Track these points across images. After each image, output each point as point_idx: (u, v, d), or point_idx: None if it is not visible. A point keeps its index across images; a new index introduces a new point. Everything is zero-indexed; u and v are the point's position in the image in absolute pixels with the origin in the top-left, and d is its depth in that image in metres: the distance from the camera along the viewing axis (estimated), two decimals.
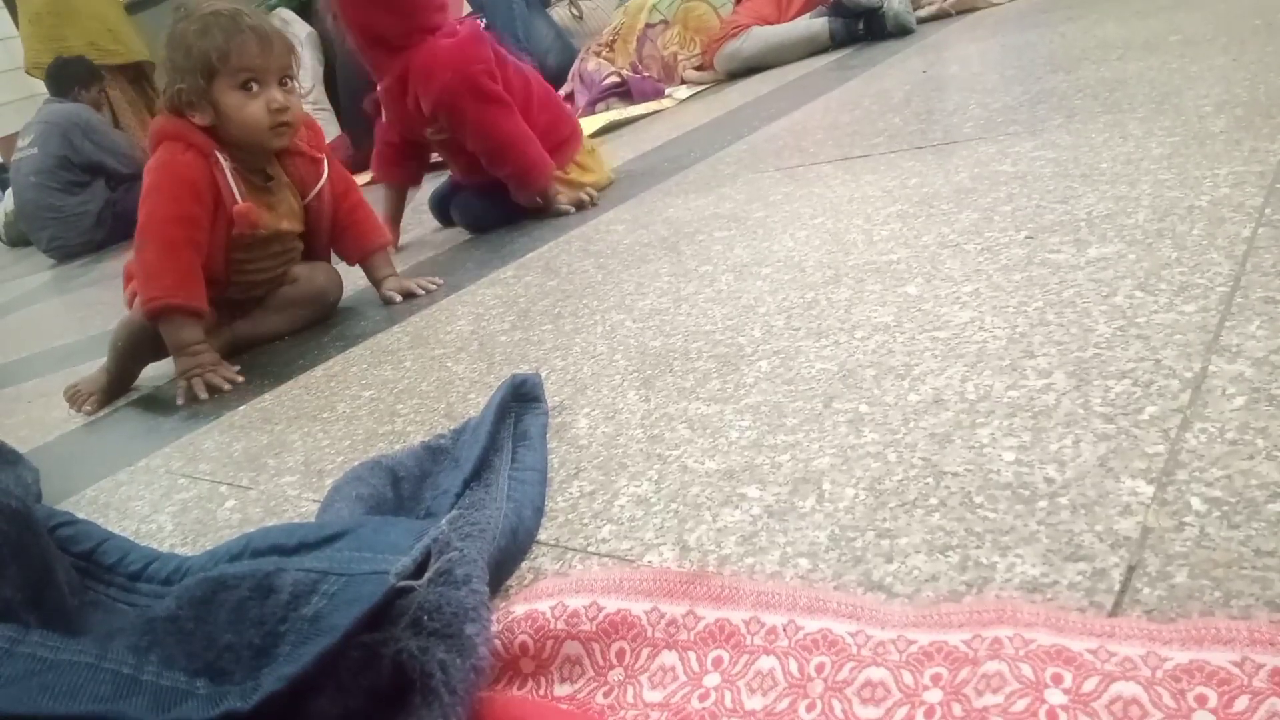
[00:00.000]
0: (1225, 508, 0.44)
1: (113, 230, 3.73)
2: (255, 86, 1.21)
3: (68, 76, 3.84)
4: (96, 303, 2.41)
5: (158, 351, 1.32)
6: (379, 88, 1.60)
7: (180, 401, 1.18)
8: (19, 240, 4.73)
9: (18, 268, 4.25)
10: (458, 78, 1.48)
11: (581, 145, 1.71)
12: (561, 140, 1.65)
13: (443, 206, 1.81)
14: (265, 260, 1.33)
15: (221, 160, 1.23)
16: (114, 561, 0.60)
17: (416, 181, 1.81)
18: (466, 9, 4.61)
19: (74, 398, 1.29)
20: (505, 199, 1.63)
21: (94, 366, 1.34)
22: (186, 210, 1.21)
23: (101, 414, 1.26)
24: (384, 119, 1.66)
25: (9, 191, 4.47)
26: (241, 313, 1.35)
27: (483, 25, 1.65)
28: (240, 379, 1.20)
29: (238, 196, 1.23)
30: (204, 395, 1.17)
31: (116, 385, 1.30)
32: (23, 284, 3.59)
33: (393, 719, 0.42)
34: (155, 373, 1.36)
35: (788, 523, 0.53)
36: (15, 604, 0.51)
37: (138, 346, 1.29)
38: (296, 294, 1.37)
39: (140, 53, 4.35)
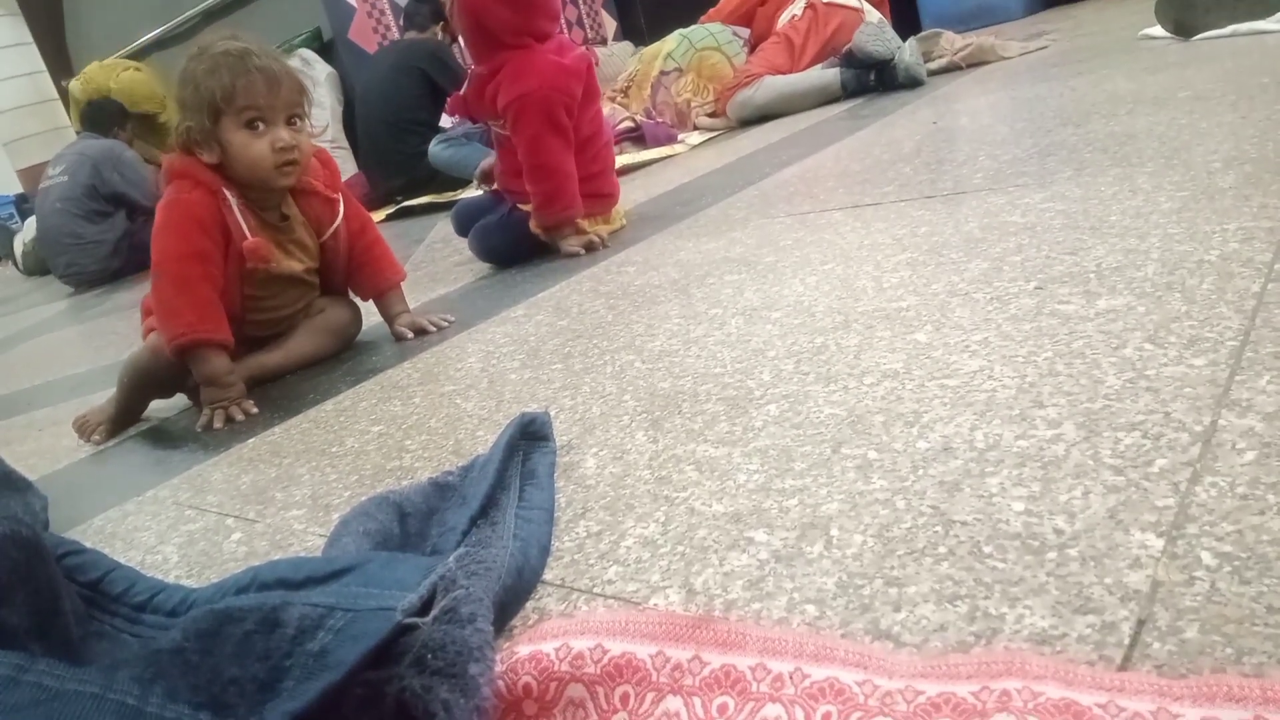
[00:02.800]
0: (1236, 563, 0.43)
1: (128, 260, 3.79)
2: (261, 126, 1.22)
3: (105, 117, 3.97)
4: (111, 332, 2.43)
5: (164, 389, 1.33)
6: (470, 70, 1.67)
7: (199, 428, 1.19)
8: (36, 269, 4.80)
9: (35, 295, 4.30)
10: (537, 94, 1.54)
11: (611, 212, 1.74)
12: (595, 195, 1.68)
13: (465, 220, 1.83)
14: (282, 297, 1.35)
15: (229, 197, 1.24)
16: (120, 591, 0.60)
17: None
18: None
19: (82, 427, 1.29)
20: (523, 235, 1.66)
21: (106, 396, 1.34)
22: (198, 246, 1.22)
23: (111, 444, 1.27)
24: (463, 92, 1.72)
25: (30, 221, 4.54)
26: (260, 346, 1.36)
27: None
28: (254, 410, 1.21)
29: (246, 232, 1.24)
30: (219, 425, 1.18)
31: (123, 417, 1.31)
32: (39, 312, 3.63)
33: None
34: (165, 404, 1.37)
35: (795, 568, 0.53)
36: (21, 632, 0.51)
37: (144, 384, 1.30)
38: (318, 327, 1.39)
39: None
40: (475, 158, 2.90)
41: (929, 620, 0.45)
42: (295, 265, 1.33)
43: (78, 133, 4.15)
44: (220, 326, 1.23)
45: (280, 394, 1.26)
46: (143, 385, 1.31)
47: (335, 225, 1.36)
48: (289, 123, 1.24)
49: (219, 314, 1.24)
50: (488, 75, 1.61)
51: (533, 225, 1.64)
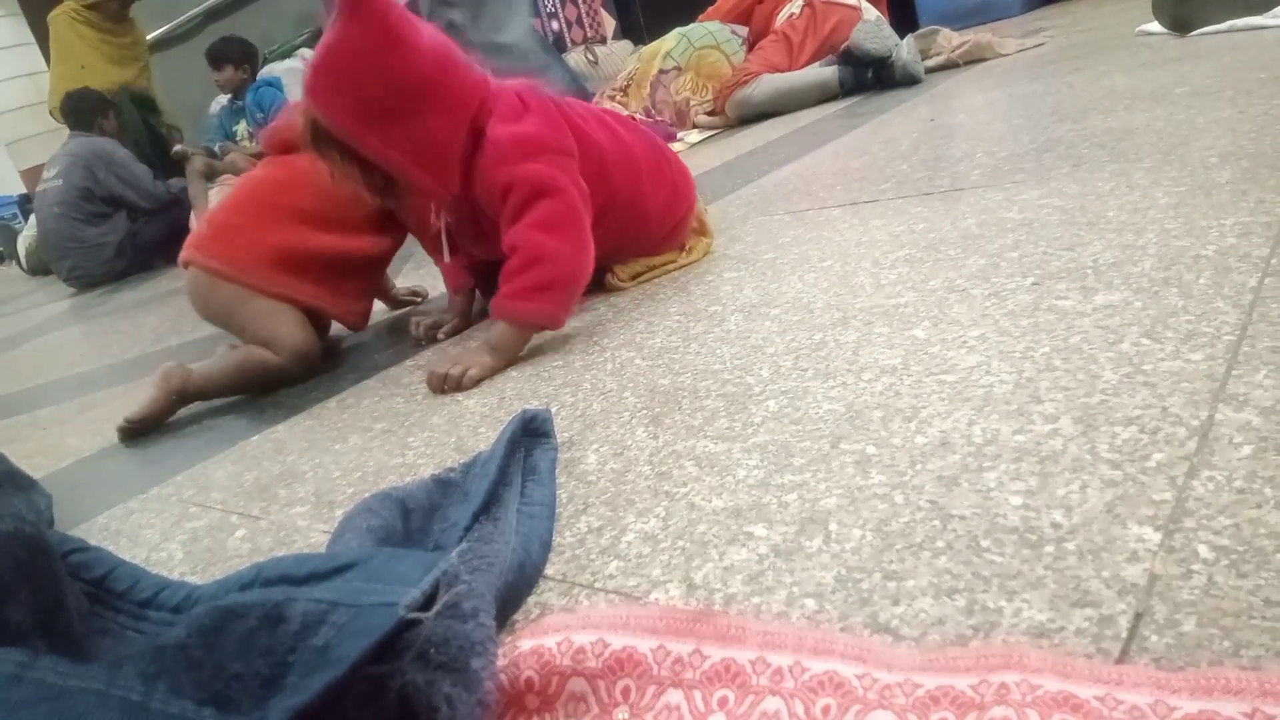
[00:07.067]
0: (1233, 556, 0.44)
1: (132, 261, 3.79)
2: None
3: (85, 110, 3.89)
4: (114, 331, 2.44)
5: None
6: (445, 221, 1.18)
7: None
8: (39, 269, 4.80)
9: (38, 295, 4.31)
10: (522, 171, 1.06)
11: (695, 205, 1.32)
12: (685, 211, 1.29)
13: None
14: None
15: None
16: (124, 588, 0.61)
17: (479, 281, 1.34)
18: None
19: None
20: None
21: (109, 394, 1.34)
22: None
23: (113, 442, 1.27)
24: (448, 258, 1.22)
25: (31, 220, 4.54)
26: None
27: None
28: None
29: None
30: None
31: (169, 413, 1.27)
32: (42, 311, 3.63)
33: None
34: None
35: (794, 563, 0.53)
36: (25, 629, 0.51)
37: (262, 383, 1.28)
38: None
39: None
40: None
41: (927, 614, 0.46)
42: None
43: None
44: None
45: (283, 391, 1.27)
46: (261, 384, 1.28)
47: None
48: None
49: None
50: (465, 207, 1.14)
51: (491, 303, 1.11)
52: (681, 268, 1.28)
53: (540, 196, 1.06)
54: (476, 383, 1.03)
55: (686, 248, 1.30)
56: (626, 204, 1.20)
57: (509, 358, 1.07)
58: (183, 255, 1.31)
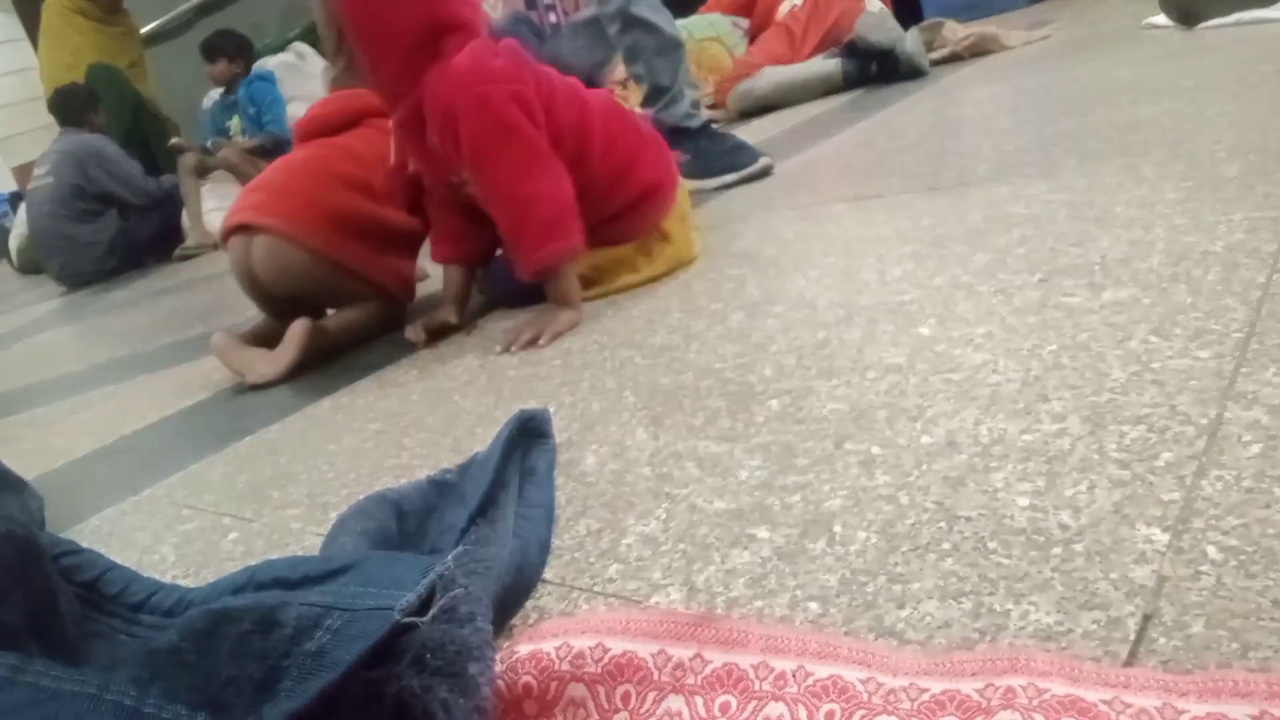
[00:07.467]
0: (1242, 557, 0.43)
1: (124, 259, 3.76)
2: None
3: (74, 106, 3.84)
4: (105, 331, 2.43)
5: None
6: (392, 121, 1.22)
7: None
8: (30, 267, 4.78)
9: (28, 294, 4.29)
10: (467, 97, 1.09)
11: (674, 202, 1.27)
12: (638, 197, 1.23)
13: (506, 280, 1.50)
14: None
15: None
16: (116, 592, 0.60)
17: (480, 260, 1.33)
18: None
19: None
20: None
21: (102, 394, 1.34)
22: None
23: (106, 443, 1.26)
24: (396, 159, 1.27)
25: (21, 218, 4.51)
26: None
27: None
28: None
29: None
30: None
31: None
32: (33, 311, 3.62)
33: None
34: (171, 400, 1.36)
35: (798, 565, 0.52)
36: (18, 632, 0.50)
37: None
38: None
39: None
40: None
41: (933, 617, 0.45)
42: None
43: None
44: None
45: (277, 390, 1.26)
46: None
47: None
48: None
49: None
50: (412, 120, 1.16)
51: (518, 276, 1.17)
52: (642, 284, 1.21)
53: (496, 137, 1.10)
54: (557, 337, 1.09)
55: (648, 251, 1.23)
56: (573, 143, 1.17)
57: (572, 307, 1.14)
58: (238, 219, 1.31)
